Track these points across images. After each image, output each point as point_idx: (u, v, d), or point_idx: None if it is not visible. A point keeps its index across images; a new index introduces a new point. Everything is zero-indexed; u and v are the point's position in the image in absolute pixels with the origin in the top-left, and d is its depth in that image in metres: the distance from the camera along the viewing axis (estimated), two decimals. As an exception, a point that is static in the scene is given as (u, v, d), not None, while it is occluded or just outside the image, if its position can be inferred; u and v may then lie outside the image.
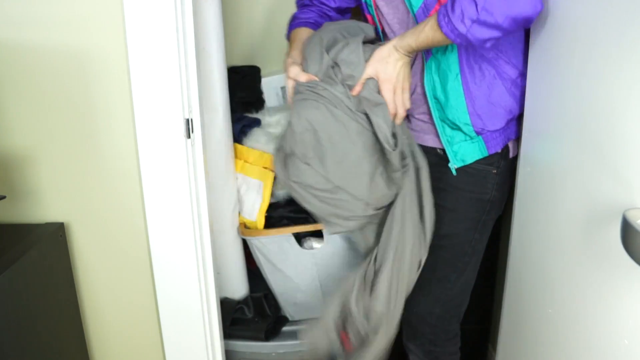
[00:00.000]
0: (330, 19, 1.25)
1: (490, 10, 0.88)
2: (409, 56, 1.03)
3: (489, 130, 1.08)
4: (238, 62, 1.72)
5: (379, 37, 1.18)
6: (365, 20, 1.20)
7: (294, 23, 1.26)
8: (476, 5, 0.88)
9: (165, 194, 1.06)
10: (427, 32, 0.97)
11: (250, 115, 1.56)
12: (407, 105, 1.07)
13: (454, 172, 1.12)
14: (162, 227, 1.08)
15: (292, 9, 1.70)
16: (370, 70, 1.04)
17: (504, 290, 1.15)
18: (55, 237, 1.05)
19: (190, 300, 1.14)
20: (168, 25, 0.95)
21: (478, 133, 1.09)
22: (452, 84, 1.06)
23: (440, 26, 0.93)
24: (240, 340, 1.50)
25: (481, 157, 1.10)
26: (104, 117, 1.03)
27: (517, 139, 1.13)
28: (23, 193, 1.06)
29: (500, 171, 1.12)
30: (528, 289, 1.02)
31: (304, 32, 1.21)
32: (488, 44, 0.94)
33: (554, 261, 0.89)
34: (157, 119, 1.01)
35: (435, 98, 1.09)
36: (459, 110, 1.07)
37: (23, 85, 1.00)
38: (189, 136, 1.03)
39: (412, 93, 1.15)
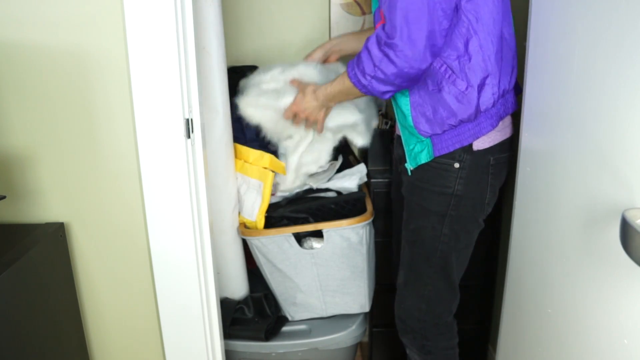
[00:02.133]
0: None
1: (383, 69, 1.05)
2: (324, 103, 1.27)
3: (434, 134, 1.13)
4: (238, 62, 1.72)
5: None
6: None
7: None
8: (373, 65, 1.06)
9: (165, 194, 1.06)
10: (339, 81, 1.19)
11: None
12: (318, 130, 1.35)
13: (409, 172, 1.20)
14: (162, 227, 1.08)
15: (291, 8, 1.71)
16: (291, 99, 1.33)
17: (504, 290, 1.15)
18: (55, 237, 1.05)
19: (190, 300, 1.14)
20: (168, 25, 0.95)
21: (425, 136, 1.15)
22: (400, 93, 1.15)
23: (349, 77, 1.13)
24: (240, 340, 1.50)
25: (430, 159, 1.15)
26: (104, 117, 1.03)
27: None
28: (23, 193, 1.07)
29: (466, 165, 1.14)
30: (528, 289, 1.02)
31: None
32: (387, 96, 1.11)
33: (554, 261, 0.89)
34: (157, 119, 1.01)
35: (397, 105, 1.19)
36: (407, 116, 1.15)
37: (23, 85, 1.00)
38: (189, 136, 1.03)
39: None
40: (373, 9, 1.15)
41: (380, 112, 1.62)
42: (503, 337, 1.17)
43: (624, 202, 0.65)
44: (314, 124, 1.34)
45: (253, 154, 1.47)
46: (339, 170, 1.59)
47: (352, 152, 1.72)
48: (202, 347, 1.18)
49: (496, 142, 1.15)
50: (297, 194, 1.51)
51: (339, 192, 1.52)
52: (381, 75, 1.06)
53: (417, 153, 1.17)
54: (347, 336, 1.53)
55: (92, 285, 1.15)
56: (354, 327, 1.55)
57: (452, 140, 1.13)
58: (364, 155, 1.62)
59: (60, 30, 0.97)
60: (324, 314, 1.55)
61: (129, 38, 0.96)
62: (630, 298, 0.67)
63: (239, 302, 1.54)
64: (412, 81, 1.08)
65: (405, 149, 1.20)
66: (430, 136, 1.14)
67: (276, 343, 1.50)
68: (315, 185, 1.51)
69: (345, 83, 1.16)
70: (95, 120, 1.03)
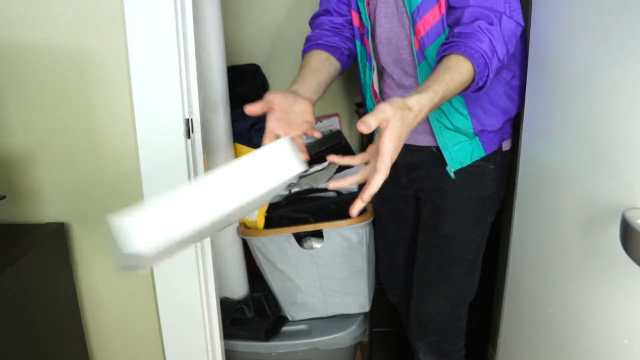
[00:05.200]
0: (341, 30, 1.19)
1: (504, 30, 0.89)
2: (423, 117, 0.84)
3: (487, 131, 1.09)
4: (238, 61, 1.72)
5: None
6: (349, 20, 1.18)
7: (305, 47, 1.17)
8: (495, 40, 0.88)
9: (165, 194, 1.06)
10: (452, 80, 0.85)
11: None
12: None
13: (452, 175, 1.12)
14: (162, 227, 1.08)
15: (291, 8, 1.71)
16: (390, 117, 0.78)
17: (504, 290, 1.15)
18: (55, 237, 1.05)
19: (190, 300, 1.14)
20: (168, 25, 0.95)
21: (476, 134, 1.10)
22: None
23: (464, 53, 0.86)
24: (240, 340, 1.50)
25: (478, 157, 1.11)
26: (104, 117, 1.03)
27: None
28: (23, 193, 1.06)
29: (497, 166, 1.14)
30: (528, 289, 1.02)
31: (314, 57, 1.12)
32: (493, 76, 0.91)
33: (554, 261, 0.89)
34: (157, 119, 1.01)
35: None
36: (458, 113, 1.08)
37: (23, 85, 1.00)
38: (189, 136, 1.03)
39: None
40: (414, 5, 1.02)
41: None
42: (503, 337, 1.17)
43: (624, 202, 0.65)
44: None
45: (253, 154, 1.47)
46: (339, 170, 1.59)
47: (352, 152, 1.72)
48: (202, 347, 1.18)
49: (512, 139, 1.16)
50: (297, 194, 1.52)
51: (339, 192, 1.52)
52: (501, 39, 0.89)
53: (465, 153, 1.10)
54: (347, 336, 1.53)
55: (92, 285, 1.15)
56: (354, 327, 1.55)
57: (497, 137, 1.11)
58: (364, 155, 1.62)
59: (60, 30, 0.97)
60: (324, 314, 1.56)
61: (129, 38, 0.96)
62: (630, 298, 0.67)
63: (239, 302, 1.54)
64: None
65: (444, 151, 1.10)
66: (479, 133, 1.09)
67: (276, 343, 1.50)
68: (315, 185, 1.51)
69: (455, 71, 0.85)
70: (95, 120, 1.03)
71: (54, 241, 1.05)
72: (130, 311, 1.17)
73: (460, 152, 1.11)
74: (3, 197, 0.99)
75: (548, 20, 0.90)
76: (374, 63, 1.20)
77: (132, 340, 1.20)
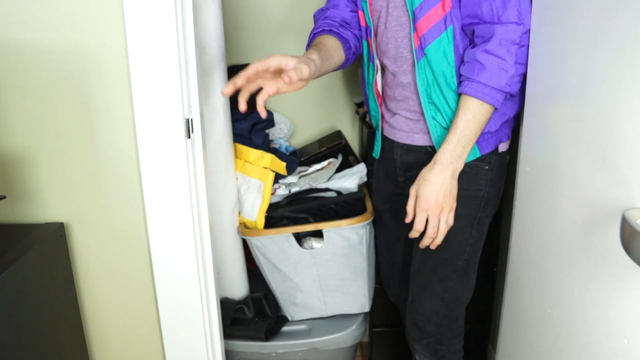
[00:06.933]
0: (350, 26, 1.23)
1: (522, 60, 0.97)
2: (457, 164, 1.05)
3: (483, 133, 1.08)
4: (238, 61, 1.72)
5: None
6: (357, 17, 1.22)
7: (317, 31, 1.23)
8: (510, 65, 0.96)
9: (165, 194, 1.06)
10: (465, 119, 1.01)
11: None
12: (450, 223, 1.09)
13: None
14: (162, 227, 1.08)
15: (291, 8, 1.71)
16: (412, 191, 1.10)
17: (504, 290, 1.15)
18: (55, 237, 1.05)
19: (190, 300, 1.14)
20: (168, 25, 0.95)
21: None
22: (450, 87, 1.06)
23: (483, 99, 0.99)
24: (240, 340, 1.50)
25: (473, 158, 1.10)
26: (104, 117, 1.03)
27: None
28: (23, 193, 1.07)
29: (493, 167, 1.13)
30: (528, 289, 1.02)
31: (329, 41, 1.19)
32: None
33: (554, 261, 0.89)
34: (157, 119, 1.01)
35: (430, 99, 1.09)
36: (454, 113, 1.07)
37: (23, 85, 1.00)
38: (189, 136, 1.03)
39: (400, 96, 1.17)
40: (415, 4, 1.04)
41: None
42: (503, 337, 1.17)
43: (624, 202, 0.65)
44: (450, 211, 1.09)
45: (253, 154, 1.47)
46: (339, 169, 1.59)
47: (352, 152, 1.72)
48: (202, 347, 1.18)
49: (510, 140, 1.16)
50: (297, 193, 1.52)
51: (339, 192, 1.52)
52: (522, 69, 0.98)
53: None
54: (347, 336, 1.53)
55: (92, 285, 1.15)
56: (354, 327, 1.55)
57: (494, 138, 1.10)
58: (364, 155, 1.62)
59: (60, 30, 0.97)
60: (324, 314, 1.56)
61: (129, 38, 0.96)
62: (630, 298, 0.67)
63: (239, 302, 1.54)
64: None
65: (437, 147, 1.11)
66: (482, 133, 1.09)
67: (276, 343, 1.50)
68: (315, 185, 1.51)
69: (476, 114, 1.01)
70: (96, 120, 1.03)
71: (54, 241, 1.05)
72: (130, 311, 1.17)
73: None
74: (3, 197, 0.99)
75: (548, 20, 0.90)
76: (377, 62, 1.22)
77: (132, 340, 1.20)
